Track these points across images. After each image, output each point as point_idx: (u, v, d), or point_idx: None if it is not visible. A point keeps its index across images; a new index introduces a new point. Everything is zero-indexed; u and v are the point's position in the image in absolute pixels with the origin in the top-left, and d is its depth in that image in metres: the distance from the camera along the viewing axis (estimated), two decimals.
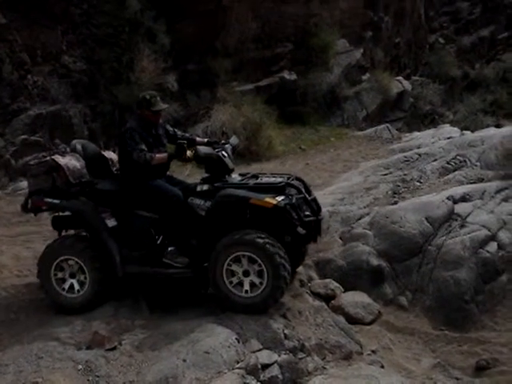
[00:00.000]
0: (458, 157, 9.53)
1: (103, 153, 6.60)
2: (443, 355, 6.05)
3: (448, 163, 9.40)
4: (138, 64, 12.00)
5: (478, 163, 9.29)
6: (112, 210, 5.94)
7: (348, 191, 8.29)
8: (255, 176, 6.12)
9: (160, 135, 6.14)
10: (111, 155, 6.60)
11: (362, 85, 16.97)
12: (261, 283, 5.39)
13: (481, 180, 8.75)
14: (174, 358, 4.76)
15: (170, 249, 5.84)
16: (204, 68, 13.98)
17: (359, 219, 7.79)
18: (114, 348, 5.05)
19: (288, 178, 5.96)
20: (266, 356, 5.04)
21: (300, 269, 6.61)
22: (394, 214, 7.41)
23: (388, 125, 14.77)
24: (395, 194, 8.74)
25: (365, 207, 7.90)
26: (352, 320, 6.30)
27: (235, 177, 6.00)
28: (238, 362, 4.80)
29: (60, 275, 5.83)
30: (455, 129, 13.38)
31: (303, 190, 5.93)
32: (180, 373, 4.60)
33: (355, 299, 6.61)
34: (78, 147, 6.30)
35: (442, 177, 9.07)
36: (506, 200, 7.97)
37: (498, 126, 14.90)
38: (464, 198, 7.83)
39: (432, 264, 6.99)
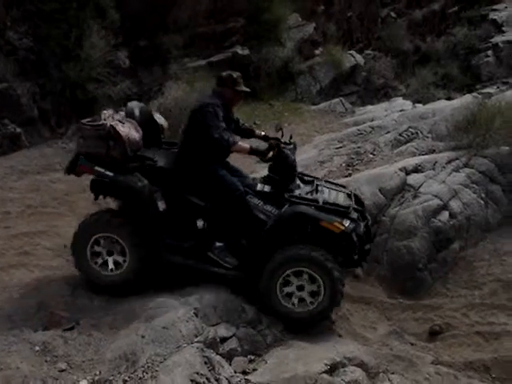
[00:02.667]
0: (410, 129, 9.70)
1: (155, 118, 6.09)
2: (398, 322, 6.20)
3: (400, 135, 9.56)
4: (88, 40, 11.70)
5: (429, 135, 9.48)
6: (163, 190, 5.54)
7: (302, 165, 8.32)
8: (313, 182, 5.91)
9: (231, 119, 5.79)
10: (161, 120, 6.16)
11: (315, 59, 16.94)
12: (317, 298, 5.38)
13: (432, 151, 8.93)
14: (132, 335, 4.74)
15: (218, 244, 5.63)
16: (156, 44, 13.71)
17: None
18: (72, 328, 5.00)
19: (349, 195, 5.89)
20: (224, 329, 5.10)
21: None
22: (348, 186, 7.49)
23: (342, 99, 14.86)
24: (349, 166, 8.85)
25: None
26: None
27: (298, 184, 5.79)
28: (196, 336, 4.81)
29: (97, 252, 5.54)
30: (407, 102, 13.58)
31: (366, 215, 5.89)
32: (139, 349, 4.59)
33: None
34: (136, 113, 5.84)
35: (395, 149, 9.23)
36: (456, 170, 8.18)
37: (449, 98, 15.14)
38: (416, 169, 7.99)
39: (386, 234, 7.14)
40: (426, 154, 8.81)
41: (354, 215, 5.55)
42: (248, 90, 5.72)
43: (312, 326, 5.51)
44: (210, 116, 5.34)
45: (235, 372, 4.69)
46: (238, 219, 5.53)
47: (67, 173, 5.75)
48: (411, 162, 8.20)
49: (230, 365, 4.83)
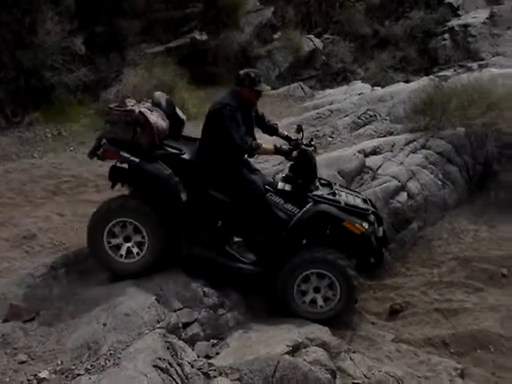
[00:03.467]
0: (369, 112, 9.80)
1: (178, 111, 6.05)
2: (360, 302, 6.28)
3: (359, 118, 9.65)
4: (42, 27, 11.46)
5: (387, 117, 9.59)
6: (185, 182, 5.47)
7: None
8: (331, 185, 5.98)
9: (253, 118, 5.74)
10: (181, 114, 6.10)
11: (273, 44, 16.91)
12: (334, 296, 5.50)
13: (390, 133, 9.05)
14: (94, 324, 4.71)
15: (236, 239, 5.66)
16: (112, 30, 13.50)
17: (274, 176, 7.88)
18: (32, 319, 4.95)
19: (364, 200, 5.96)
20: (186, 314, 5.10)
21: None
22: None
23: (301, 83, 14.87)
24: None
25: (279, 164, 7.98)
26: None
27: (317, 186, 5.81)
28: (158, 322, 4.81)
29: (115, 240, 5.45)
30: (366, 85, 13.68)
31: (383, 220, 6.01)
32: (101, 337, 4.57)
33: None
34: (163, 103, 5.80)
35: (354, 131, 9.32)
36: (414, 152, 8.31)
37: (407, 81, 15.28)
38: (374, 151, 8.09)
39: None
40: (384, 136, 8.91)
41: (373, 219, 5.67)
42: (268, 88, 5.79)
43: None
44: (229, 119, 5.32)
45: (198, 356, 4.69)
46: (258, 217, 5.55)
47: (90, 157, 5.66)
48: (370, 144, 8.29)
49: (193, 349, 4.83)
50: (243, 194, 5.49)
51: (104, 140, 5.55)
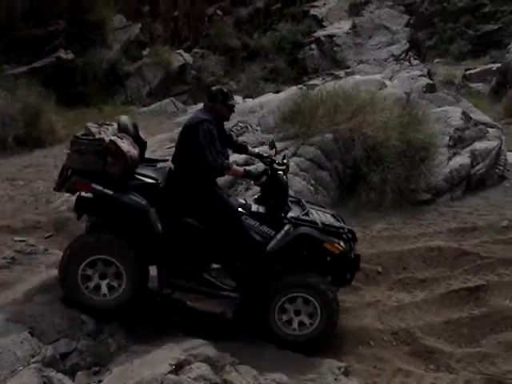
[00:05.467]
0: (240, 123, 9.91)
1: (141, 135, 5.77)
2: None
3: (231, 130, 9.71)
4: None
5: (258, 128, 9.76)
6: (157, 210, 5.23)
7: None
8: (300, 203, 5.96)
9: (225, 134, 5.70)
10: (143, 137, 5.86)
11: (143, 60, 16.86)
12: (313, 322, 5.46)
13: (262, 144, 9.19)
14: None
15: (214, 266, 5.56)
16: None
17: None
18: None
19: (333, 216, 5.99)
20: (64, 345, 4.91)
21: None
22: None
23: (173, 99, 14.92)
24: None
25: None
26: None
27: (289, 205, 5.73)
28: (33, 357, 4.58)
29: (89, 274, 5.18)
30: (238, 97, 13.86)
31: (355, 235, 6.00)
32: None
33: None
34: (130, 128, 5.54)
35: None
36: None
37: (277, 92, 15.70)
38: (247, 163, 8.18)
39: None
40: (256, 146, 9.02)
41: (347, 236, 5.71)
42: (238, 102, 5.77)
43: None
44: (205, 135, 5.22)
45: None
46: (233, 240, 5.45)
47: (58, 190, 5.43)
48: (242, 155, 8.36)
49: (74, 380, 4.66)
50: (220, 217, 5.41)
51: (70, 171, 5.27)
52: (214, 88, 5.65)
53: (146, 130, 12.13)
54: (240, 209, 5.57)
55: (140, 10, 18.87)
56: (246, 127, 9.79)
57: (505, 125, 15.14)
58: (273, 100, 11.02)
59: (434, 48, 33.40)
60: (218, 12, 25.95)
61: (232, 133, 6.13)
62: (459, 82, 23.28)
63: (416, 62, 22.48)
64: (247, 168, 5.78)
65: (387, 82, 12.64)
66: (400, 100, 11.00)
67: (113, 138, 5.18)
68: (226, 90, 5.57)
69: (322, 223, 5.64)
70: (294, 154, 8.66)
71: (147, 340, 5.41)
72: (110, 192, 5.13)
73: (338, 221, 5.99)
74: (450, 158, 10.11)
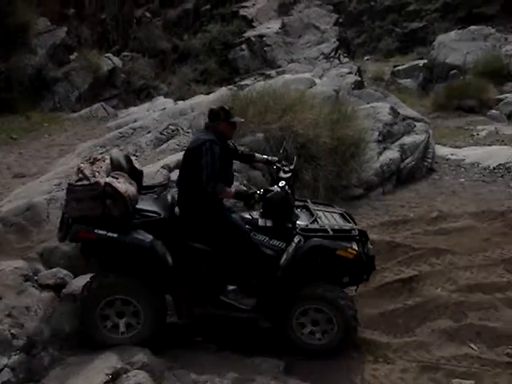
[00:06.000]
0: (171, 126, 9.86)
1: (135, 165, 5.61)
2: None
3: (161, 134, 9.67)
4: None
5: (189, 130, 9.71)
6: (164, 241, 5.16)
7: (65, 175, 7.99)
8: (307, 207, 5.90)
9: (229, 151, 5.57)
10: (138, 165, 5.70)
11: (70, 65, 16.51)
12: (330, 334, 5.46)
13: None
14: None
15: (230, 288, 5.49)
16: None
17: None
18: None
19: (341, 215, 5.94)
20: None
21: (22, 263, 6.25)
22: None
23: (103, 103, 14.66)
24: None
25: None
26: None
27: (296, 213, 5.66)
28: None
29: (106, 314, 5.20)
30: (169, 100, 13.82)
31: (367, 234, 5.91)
32: None
33: None
34: (123, 163, 5.40)
35: (157, 147, 9.32)
36: None
37: (209, 93, 15.68)
38: (178, 165, 8.11)
39: None
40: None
41: (358, 236, 5.65)
42: (242, 119, 5.81)
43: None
44: (206, 155, 5.13)
45: None
46: (246, 258, 5.38)
47: (62, 240, 5.36)
48: (174, 158, 8.30)
49: None
50: (229, 237, 5.34)
51: (70, 219, 5.12)
52: (214, 107, 5.57)
53: (75, 136, 11.98)
54: (247, 226, 5.51)
55: (65, 13, 18.50)
56: (177, 130, 9.73)
57: (432, 119, 15.68)
58: (203, 101, 11.00)
59: (363, 46, 34.34)
60: (147, 14, 25.72)
61: (236, 145, 5.95)
62: (388, 78, 23.93)
63: (346, 59, 22.90)
64: (238, 189, 5.66)
65: (317, 80, 12.83)
66: (329, 97, 11.18)
67: (108, 180, 5.05)
68: (227, 108, 5.53)
69: (332, 229, 5.61)
70: None
71: (83, 350, 5.31)
72: (115, 235, 5.06)
73: (346, 220, 5.98)
74: (380, 153, 10.38)
